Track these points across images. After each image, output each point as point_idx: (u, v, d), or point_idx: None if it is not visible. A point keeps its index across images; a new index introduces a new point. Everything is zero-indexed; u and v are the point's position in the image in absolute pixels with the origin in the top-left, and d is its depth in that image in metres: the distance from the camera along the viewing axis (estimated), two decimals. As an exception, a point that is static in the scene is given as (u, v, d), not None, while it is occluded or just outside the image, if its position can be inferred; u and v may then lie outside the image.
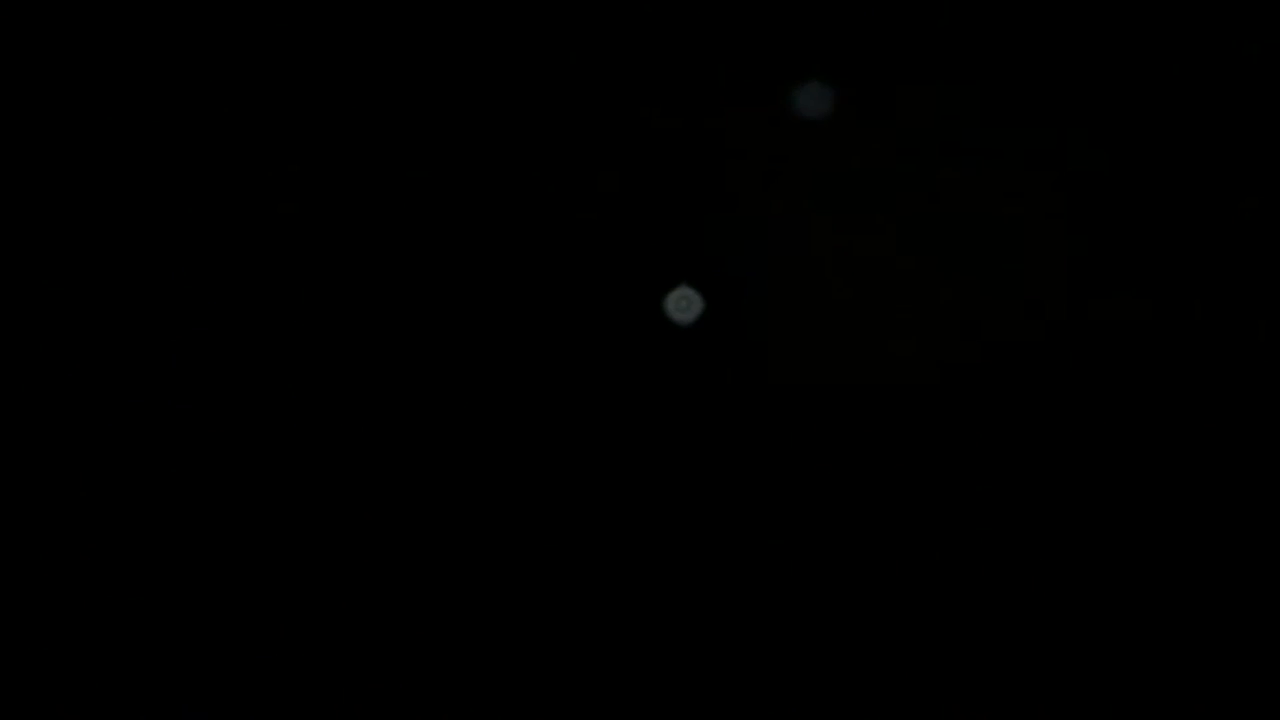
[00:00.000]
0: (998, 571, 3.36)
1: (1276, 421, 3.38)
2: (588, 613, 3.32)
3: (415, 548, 3.32)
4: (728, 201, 3.38)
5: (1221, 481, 3.37)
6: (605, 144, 3.39)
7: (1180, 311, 3.41)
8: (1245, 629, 3.33)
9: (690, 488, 3.34)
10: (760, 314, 3.36)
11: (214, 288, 3.34)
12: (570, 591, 3.32)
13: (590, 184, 3.38)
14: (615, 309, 3.35)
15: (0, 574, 3.26)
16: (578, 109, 3.40)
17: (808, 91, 3.37)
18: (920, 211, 3.42)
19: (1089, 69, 3.46)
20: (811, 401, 3.35)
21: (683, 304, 3.34)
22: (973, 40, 3.44)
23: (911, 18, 3.44)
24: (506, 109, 3.39)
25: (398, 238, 3.36)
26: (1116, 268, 3.42)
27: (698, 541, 3.34)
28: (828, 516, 3.36)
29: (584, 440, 3.33)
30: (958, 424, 3.38)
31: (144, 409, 3.31)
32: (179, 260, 3.33)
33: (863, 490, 3.36)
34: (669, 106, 3.40)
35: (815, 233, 3.39)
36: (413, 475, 3.33)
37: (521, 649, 3.30)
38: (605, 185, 3.39)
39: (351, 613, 3.30)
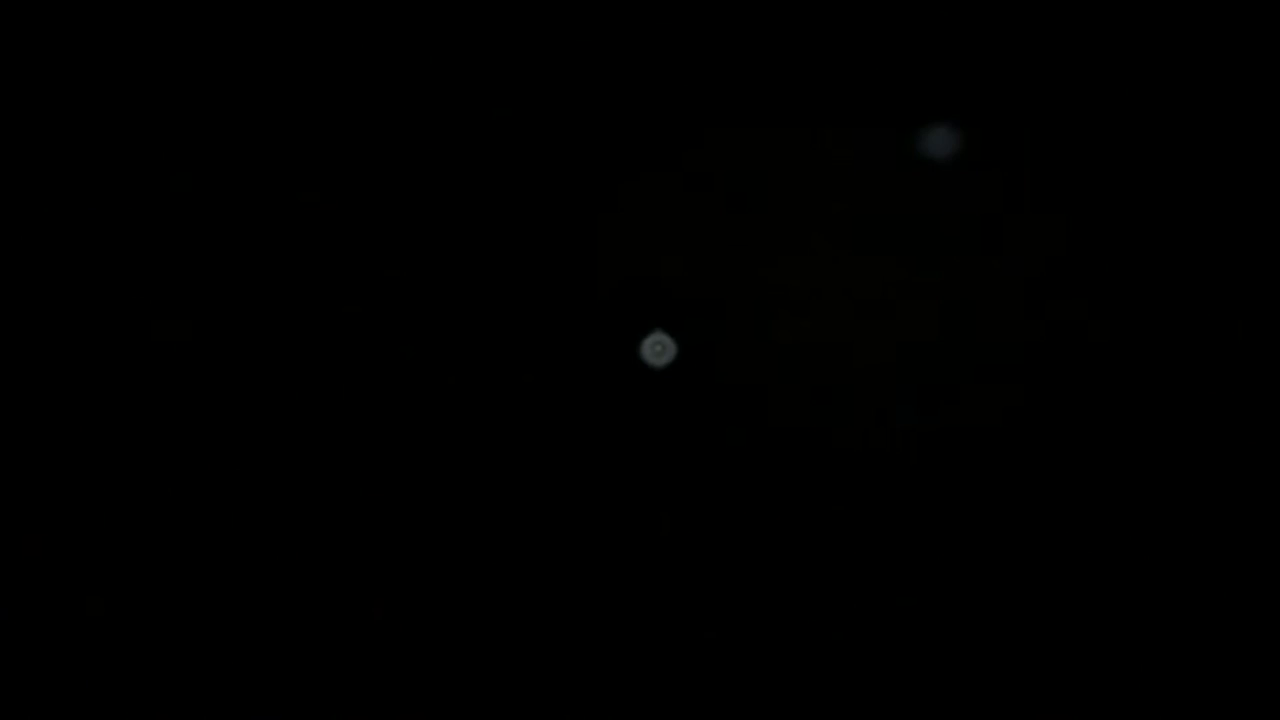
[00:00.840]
0: (995, 619, 3.33)
1: (1276, 422, 3.34)
2: (557, 652, 3.32)
3: (372, 583, 3.33)
4: (702, 246, 3.38)
5: (1223, 485, 3.33)
6: (576, 190, 3.40)
7: (1180, 318, 3.37)
8: (1246, 639, 3.29)
9: (666, 536, 3.34)
10: (735, 359, 3.36)
11: (189, 294, 3.37)
12: (543, 636, 3.33)
13: (561, 234, 3.39)
14: (588, 353, 3.36)
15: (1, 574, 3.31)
16: (547, 150, 3.40)
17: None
18: (901, 247, 3.40)
19: (1081, 73, 3.43)
20: (787, 451, 3.34)
21: (657, 349, 3.34)
22: (956, 53, 3.42)
23: (889, 33, 3.42)
24: (473, 142, 3.40)
25: (367, 271, 3.38)
26: (1111, 288, 3.39)
27: (673, 588, 3.33)
28: (802, 561, 3.34)
29: (559, 489, 3.34)
30: (947, 464, 3.36)
31: (143, 408, 3.35)
32: (168, 259, 3.37)
33: (843, 536, 3.35)
34: (638, 149, 3.40)
35: (791, 276, 3.38)
36: (382, 514, 3.34)
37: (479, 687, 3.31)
38: (577, 237, 3.39)
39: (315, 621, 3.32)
